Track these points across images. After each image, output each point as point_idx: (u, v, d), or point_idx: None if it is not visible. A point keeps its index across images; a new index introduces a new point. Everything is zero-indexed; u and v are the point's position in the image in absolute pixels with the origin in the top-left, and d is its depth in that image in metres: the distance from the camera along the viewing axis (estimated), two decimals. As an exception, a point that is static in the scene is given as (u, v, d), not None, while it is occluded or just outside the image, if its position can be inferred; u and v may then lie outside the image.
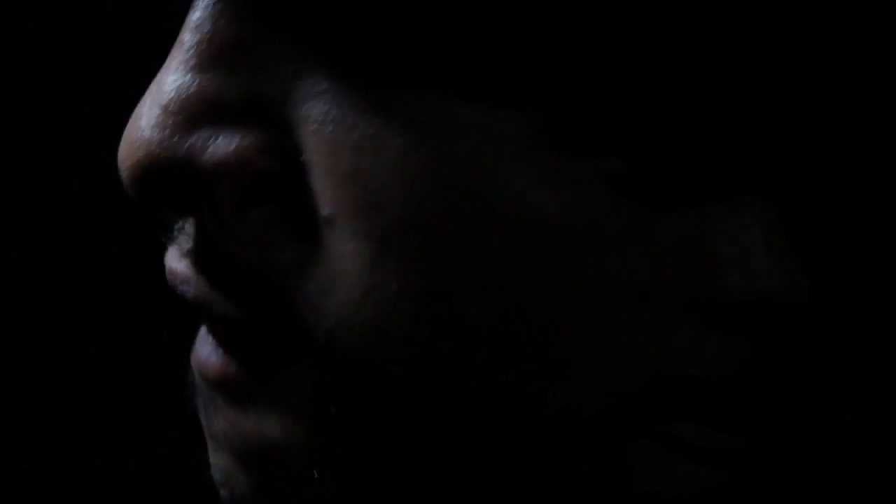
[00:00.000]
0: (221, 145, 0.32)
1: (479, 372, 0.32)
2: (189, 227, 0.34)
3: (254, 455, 0.34)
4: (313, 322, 0.32)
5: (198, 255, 0.34)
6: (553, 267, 0.31)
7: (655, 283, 0.31)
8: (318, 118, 0.31)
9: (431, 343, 0.31)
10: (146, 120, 0.32)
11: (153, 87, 0.33)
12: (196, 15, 0.32)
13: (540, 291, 0.31)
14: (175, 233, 0.35)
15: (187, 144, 0.32)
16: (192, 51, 0.32)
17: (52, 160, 0.73)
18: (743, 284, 0.31)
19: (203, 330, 0.35)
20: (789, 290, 0.32)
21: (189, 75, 0.32)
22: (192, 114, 0.32)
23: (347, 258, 0.31)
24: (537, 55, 0.31)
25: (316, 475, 0.33)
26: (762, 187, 0.32)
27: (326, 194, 0.31)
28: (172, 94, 0.32)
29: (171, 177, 0.32)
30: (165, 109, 0.32)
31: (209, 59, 0.32)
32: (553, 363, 0.31)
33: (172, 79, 0.32)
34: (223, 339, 0.34)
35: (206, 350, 0.35)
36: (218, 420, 0.35)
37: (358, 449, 0.33)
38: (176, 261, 0.34)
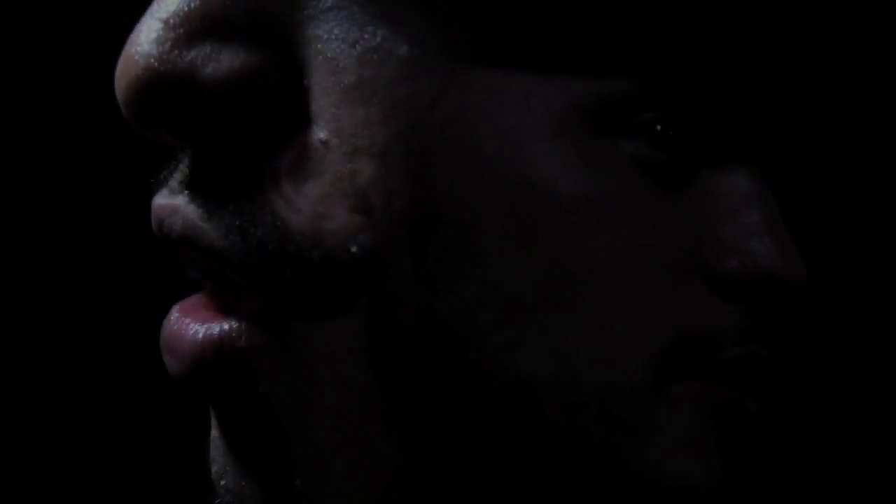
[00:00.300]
0: (224, 61, 0.31)
1: (494, 313, 0.32)
2: (183, 164, 0.33)
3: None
4: (304, 248, 0.31)
5: (192, 181, 0.32)
6: (561, 230, 0.32)
7: (671, 256, 0.33)
8: (322, 37, 0.31)
9: (432, 268, 0.31)
10: (146, 34, 0.31)
11: (154, 2, 0.32)
12: None
13: (556, 250, 0.32)
14: (166, 177, 0.34)
15: (188, 59, 0.31)
16: None
17: (52, 160, 0.73)
18: (742, 265, 0.34)
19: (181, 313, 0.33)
20: (787, 272, 0.34)
21: None
22: (194, 28, 0.31)
23: (345, 180, 0.31)
24: (597, 29, 0.31)
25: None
26: (766, 175, 0.35)
27: (325, 116, 0.31)
28: (173, 7, 0.31)
29: (170, 92, 0.31)
30: (166, 23, 0.31)
31: None
32: (586, 317, 0.33)
33: None
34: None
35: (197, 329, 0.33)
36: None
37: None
38: (163, 198, 0.33)
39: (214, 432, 0.35)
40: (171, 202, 0.33)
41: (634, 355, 0.33)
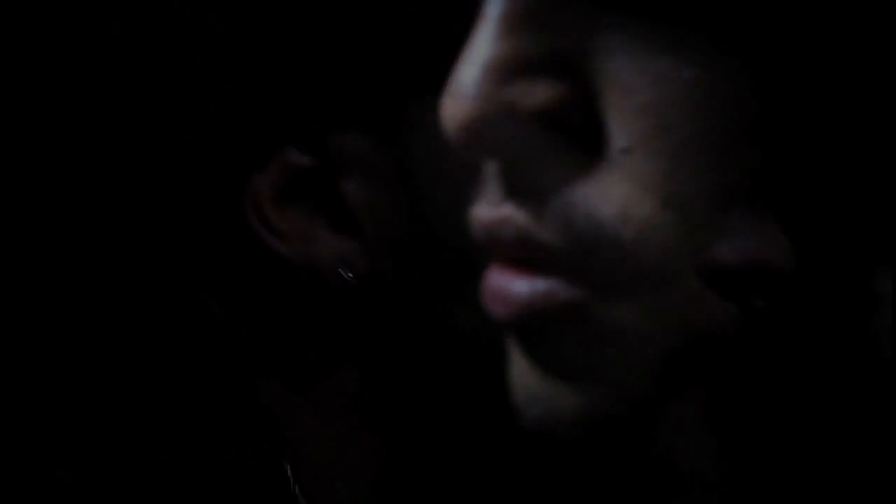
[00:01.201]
0: (538, 94, 0.39)
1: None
2: (498, 180, 0.41)
3: None
4: (617, 233, 0.39)
5: (513, 193, 0.41)
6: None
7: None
8: (614, 68, 0.39)
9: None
10: (466, 79, 0.39)
11: (469, 52, 0.39)
12: None
13: None
14: (483, 191, 0.42)
15: (506, 97, 0.39)
16: (500, 19, 0.39)
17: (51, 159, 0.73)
18: (732, 256, 0.38)
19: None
20: (776, 258, 0.38)
21: (500, 39, 0.39)
22: (507, 71, 0.39)
23: (646, 177, 0.38)
24: None
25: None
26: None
27: (624, 129, 0.38)
28: (489, 55, 0.39)
29: (492, 125, 0.39)
30: (485, 69, 0.39)
31: (515, 24, 0.39)
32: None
33: (486, 43, 0.39)
34: (518, 256, 0.41)
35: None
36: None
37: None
38: (486, 212, 0.41)
39: (522, 370, 0.43)
40: (496, 215, 0.41)
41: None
